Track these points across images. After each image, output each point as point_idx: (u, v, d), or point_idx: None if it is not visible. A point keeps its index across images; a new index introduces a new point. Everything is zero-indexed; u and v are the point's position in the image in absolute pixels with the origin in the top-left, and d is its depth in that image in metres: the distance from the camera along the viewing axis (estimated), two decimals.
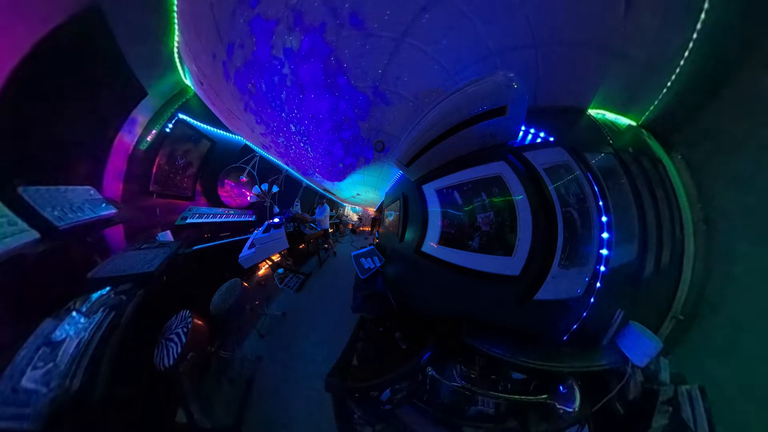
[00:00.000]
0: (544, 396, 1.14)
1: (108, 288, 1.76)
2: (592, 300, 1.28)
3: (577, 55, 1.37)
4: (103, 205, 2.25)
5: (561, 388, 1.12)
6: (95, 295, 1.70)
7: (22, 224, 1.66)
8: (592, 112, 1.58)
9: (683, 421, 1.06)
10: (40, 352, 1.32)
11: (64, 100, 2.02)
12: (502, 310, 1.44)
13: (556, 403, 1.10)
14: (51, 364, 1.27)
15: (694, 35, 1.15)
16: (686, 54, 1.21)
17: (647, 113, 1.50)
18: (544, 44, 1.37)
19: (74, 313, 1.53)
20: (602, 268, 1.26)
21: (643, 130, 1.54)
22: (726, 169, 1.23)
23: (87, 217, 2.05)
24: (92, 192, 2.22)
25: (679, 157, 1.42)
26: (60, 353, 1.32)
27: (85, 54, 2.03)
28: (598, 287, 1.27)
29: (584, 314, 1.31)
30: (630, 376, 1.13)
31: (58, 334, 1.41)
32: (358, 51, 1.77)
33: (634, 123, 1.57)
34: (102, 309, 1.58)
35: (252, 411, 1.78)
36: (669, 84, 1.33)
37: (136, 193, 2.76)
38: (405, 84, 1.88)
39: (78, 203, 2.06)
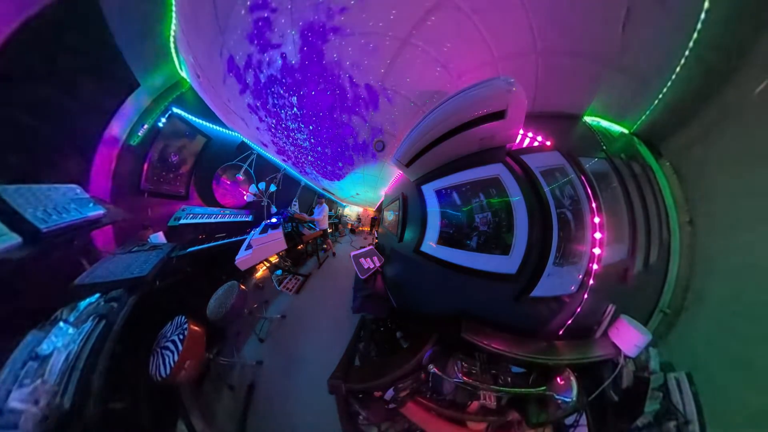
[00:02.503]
0: (542, 388, 1.20)
1: (97, 295, 1.67)
2: (585, 296, 1.36)
3: (576, 65, 1.44)
4: (91, 204, 2.11)
5: (558, 379, 1.18)
6: (83, 303, 1.61)
7: (1, 227, 1.55)
8: (587, 119, 1.67)
9: (673, 404, 1.15)
10: (26, 367, 1.23)
11: (47, 89, 1.86)
12: (500, 307, 1.49)
13: (555, 394, 1.16)
14: (39, 381, 1.18)
15: (686, 52, 1.24)
16: (677, 69, 1.31)
17: (639, 122, 1.59)
18: (546, 53, 1.43)
19: (61, 324, 1.44)
20: (595, 266, 1.33)
21: (635, 138, 1.64)
22: (710, 176, 1.34)
23: (73, 219, 1.90)
24: (78, 191, 2.07)
25: (668, 163, 1.53)
26: (48, 368, 1.24)
27: (72, 39, 1.89)
28: (591, 284, 1.34)
29: (578, 309, 1.38)
30: (622, 366, 1.21)
31: (45, 348, 1.32)
32: (361, 49, 1.75)
33: (626, 131, 1.66)
34: (91, 318, 1.49)
35: (254, 417, 1.75)
36: (660, 96, 1.43)
37: (126, 191, 2.62)
38: (407, 84, 1.89)
39: (63, 203, 1.91)
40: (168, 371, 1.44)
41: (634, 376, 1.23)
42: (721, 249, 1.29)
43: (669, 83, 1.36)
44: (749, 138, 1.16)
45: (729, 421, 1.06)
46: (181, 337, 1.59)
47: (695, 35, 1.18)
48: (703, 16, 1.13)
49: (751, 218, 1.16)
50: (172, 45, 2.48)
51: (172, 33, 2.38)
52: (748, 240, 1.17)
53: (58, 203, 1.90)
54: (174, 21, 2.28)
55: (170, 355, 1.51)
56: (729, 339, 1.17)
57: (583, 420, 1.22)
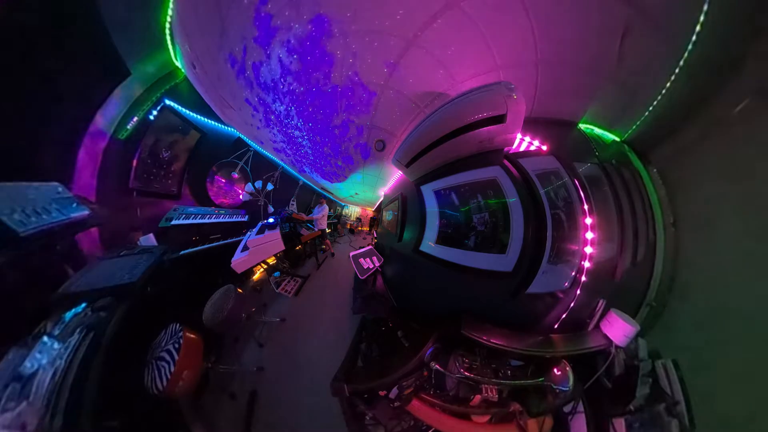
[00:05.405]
0: (541, 379, 1.27)
1: (84, 304, 1.53)
2: (578, 292, 1.44)
3: (574, 76, 1.52)
4: (74, 205, 1.94)
5: (555, 370, 1.25)
6: (69, 314, 1.47)
7: None
8: (582, 126, 1.76)
9: (662, 389, 1.25)
10: (9, 390, 1.11)
11: (25, 76, 1.68)
12: (498, 303, 1.56)
13: (553, 384, 1.23)
14: (24, 403, 1.08)
15: (677, 69, 1.36)
16: (668, 84, 1.42)
17: (630, 131, 1.70)
18: (546, 63, 1.50)
19: (45, 338, 1.30)
20: (587, 264, 1.42)
21: (626, 146, 1.75)
22: (693, 182, 1.46)
23: (55, 220, 1.74)
24: (60, 189, 1.87)
25: (655, 170, 1.64)
26: (34, 388, 1.13)
27: (57, 21, 1.72)
28: (584, 280, 1.43)
29: (572, 304, 1.46)
30: (614, 355, 1.30)
31: (29, 366, 1.19)
32: (366, 47, 1.74)
33: (618, 138, 1.77)
34: (78, 330, 1.37)
35: (259, 425, 1.70)
36: (651, 108, 1.53)
37: (114, 190, 2.42)
38: (410, 85, 1.90)
39: (43, 203, 1.74)
40: (165, 383, 1.36)
41: (625, 364, 1.32)
42: (701, 248, 1.41)
43: (659, 96, 1.47)
44: (730, 149, 1.28)
45: (715, 404, 1.16)
46: (177, 346, 1.51)
47: (686, 54, 1.30)
48: (694, 38, 1.25)
49: (730, 221, 1.28)
50: (167, 32, 2.31)
51: (169, 18, 2.22)
52: (726, 240, 1.29)
53: (38, 204, 1.73)
54: (171, 6, 2.14)
55: (166, 365, 1.43)
56: (709, 328, 1.28)
57: (580, 407, 1.31)
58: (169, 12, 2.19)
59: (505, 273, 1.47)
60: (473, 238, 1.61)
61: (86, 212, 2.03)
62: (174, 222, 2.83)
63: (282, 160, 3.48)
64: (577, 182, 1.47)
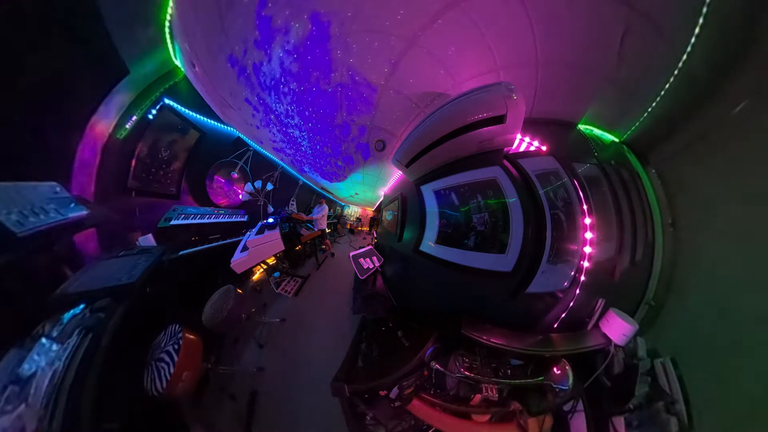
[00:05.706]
0: (540, 378, 1.28)
1: (82, 305, 1.52)
2: (577, 291, 1.45)
3: (574, 76, 1.53)
4: (72, 205, 1.92)
5: (555, 369, 1.26)
6: (67, 315, 1.46)
7: None
8: (581, 126, 1.77)
9: (660, 387, 1.26)
10: (7, 392, 1.11)
11: (24, 75, 1.67)
12: (498, 303, 1.56)
13: (553, 383, 1.24)
14: (23, 406, 1.07)
15: (675, 72, 1.37)
16: (667, 86, 1.43)
17: (629, 132, 1.72)
18: (546, 63, 1.51)
19: (44, 340, 1.30)
20: (586, 264, 1.43)
21: (625, 147, 1.76)
22: (692, 182, 1.48)
23: (52, 221, 1.73)
24: (58, 189, 1.87)
25: (654, 171, 1.65)
26: (32, 390, 1.12)
27: (54, 17, 1.70)
28: (583, 280, 1.43)
29: (571, 304, 1.47)
30: (613, 354, 1.31)
31: (27, 368, 1.19)
32: (366, 47, 1.74)
33: (617, 139, 1.78)
34: (77, 331, 1.36)
35: (259, 426, 1.70)
36: (650, 109, 1.55)
37: (112, 190, 2.41)
38: (410, 85, 1.90)
39: (40, 203, 1.73)
40: (164, 385, 1.35)
41: (624, 363, 1.33)
42: (699, 248, 1.43)
43: (658, 98, 1.49)
44: (729, 150, 1.30)
45: (714, 403, 1.17)
46: (176, 347, 1.50)
47: (684, 57, 1.31)
48: (693, 40, 1.26)
49: (727, 221, 1.30)
50: (167, 30, 2.29)
51: (168, 16, 2.20)
52: (723, 240, 1.31)
53: (36, 204, 1.71)
54: (171, 3, 2.12)
55: (165, 367, 1.42)
56: (708, 327, 1.30)
57: (580, 405, 1.31)
58: (169, 9, 2.17)
59: (504, 273, 1.47)
60: (473, 238, 1.61)
61: (84, 212, 2.02)
62: (173, 222, 2.82)
63: (282, 159, 3.48)
64: (576, 183, 1.48)
